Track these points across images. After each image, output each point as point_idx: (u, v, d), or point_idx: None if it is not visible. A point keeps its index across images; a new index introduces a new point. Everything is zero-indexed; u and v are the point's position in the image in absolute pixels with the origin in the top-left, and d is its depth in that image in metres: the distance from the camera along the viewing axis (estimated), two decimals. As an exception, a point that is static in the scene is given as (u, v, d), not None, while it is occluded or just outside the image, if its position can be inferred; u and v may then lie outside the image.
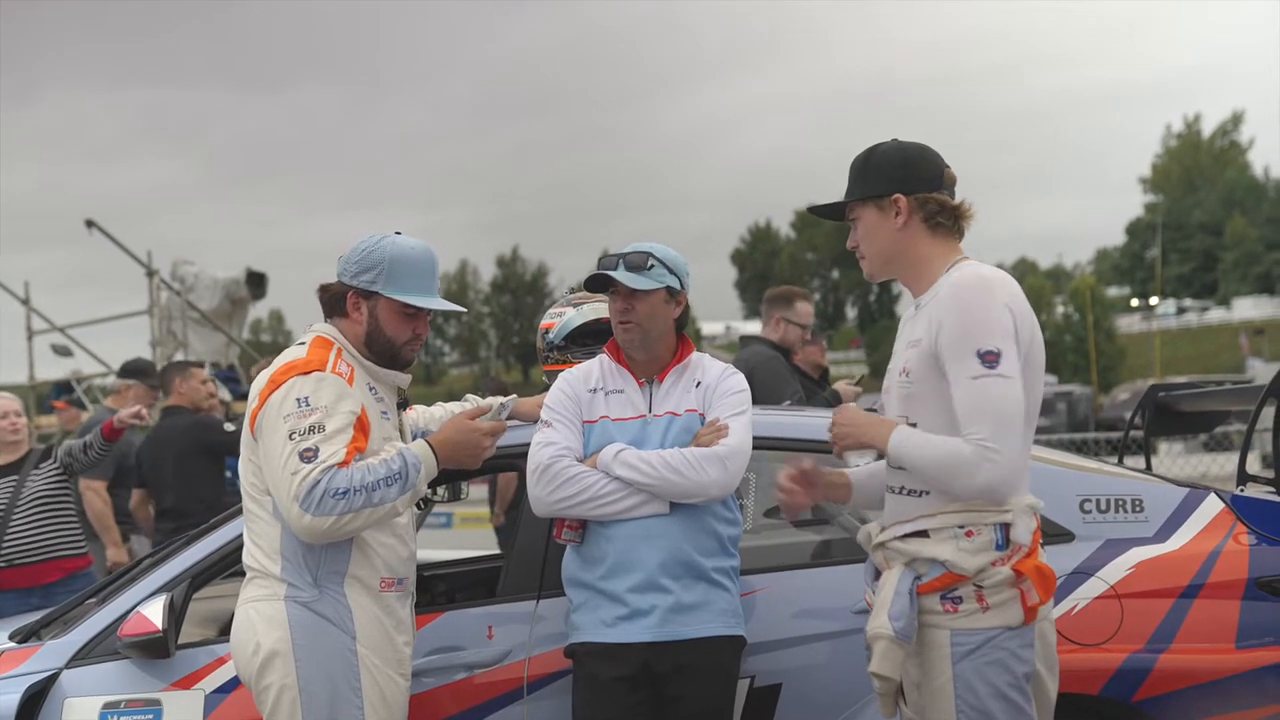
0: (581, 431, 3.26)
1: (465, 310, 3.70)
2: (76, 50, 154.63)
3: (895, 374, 2.87)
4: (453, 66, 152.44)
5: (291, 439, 2.96)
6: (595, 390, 3.31)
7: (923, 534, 2.76)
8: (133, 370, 7.38)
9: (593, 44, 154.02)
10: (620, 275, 3.26)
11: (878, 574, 2.86)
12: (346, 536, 3.03)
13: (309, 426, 2.97)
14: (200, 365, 7.35)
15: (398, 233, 3.23)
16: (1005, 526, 2.70)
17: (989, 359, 2.65)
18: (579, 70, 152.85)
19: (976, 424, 2.65)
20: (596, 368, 3.37)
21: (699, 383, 3.30)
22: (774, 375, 5.48)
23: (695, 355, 3.37)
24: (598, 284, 3.32)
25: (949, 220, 2.86)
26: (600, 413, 3.28)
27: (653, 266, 3.28)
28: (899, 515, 2.84)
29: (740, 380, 3.34)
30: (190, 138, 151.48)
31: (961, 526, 2.71)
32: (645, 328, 3.27)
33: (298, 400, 3.00)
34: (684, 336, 3.38)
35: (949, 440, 2.69)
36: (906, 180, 2.85)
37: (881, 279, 2.96)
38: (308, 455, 2.94)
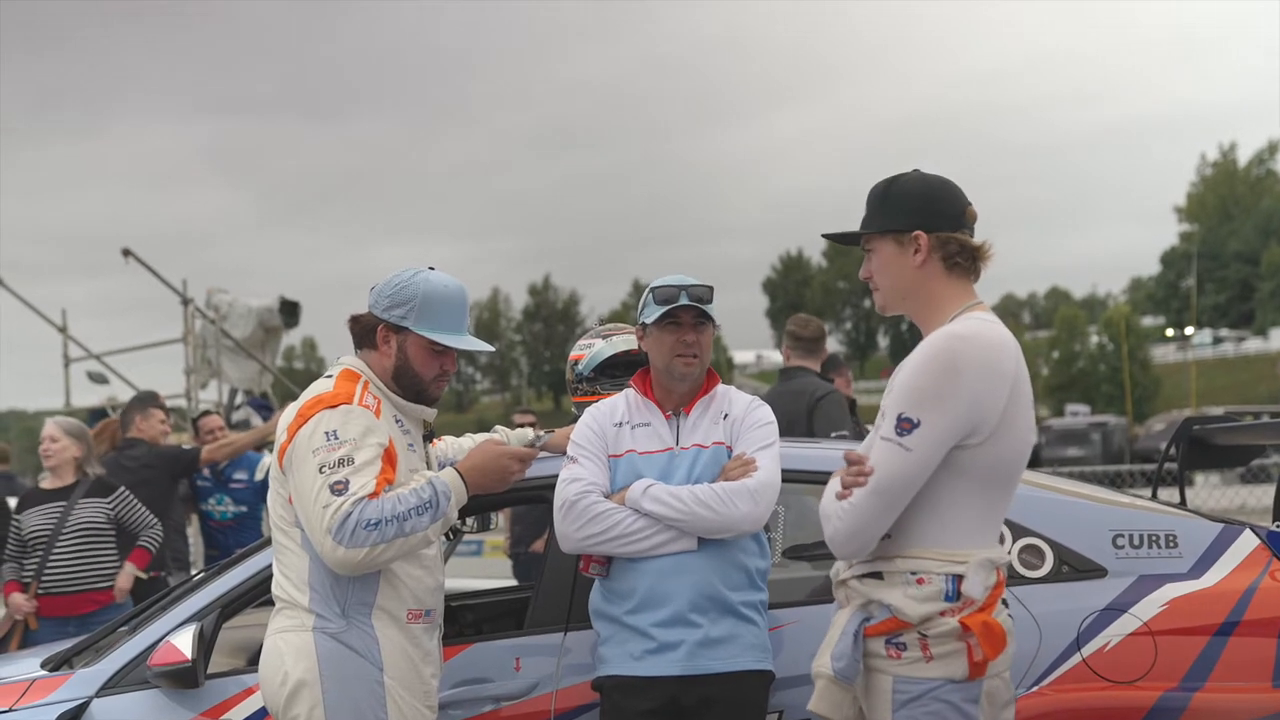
0: (608, 467, 3.26)
1: (494, 349, 3.71)
2: (147, 82, 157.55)
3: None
4: (509, 100, 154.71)
5: (321, 472, 2.98)
6: (621, 424, 3.31)
7: (877, 575, 2.69)
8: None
9: (635, 81, 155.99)
10: (709, 308, 3.27)
11: None
12: (380, 567, 3.04)
13: (338, 459, 2.99)
14: (161, 406, 7.35)
15: (431, 268, 3.25)
16: (958, 578, 2.61)
17: (903, 426, 2.61)
18: (622, 106, 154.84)
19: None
20: (623, 402, 3.37)
21: (726, 415, 3.30)
22: (839, 407, 5.42)
23: (721, 387, 3.37)
24: (681, 313, 3.26)
25: (967, 261, 2.76)
26: (627, 446, 3.27)
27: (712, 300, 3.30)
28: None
29: (767, 412, 3.33)
30: (249, 169, 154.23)
31: (914, 573, 2.63)
32: (703, 359, 3.29)
33: (326, 434, 3.02)
34: (710, 369, 3.37)
35: (833, 490, 2.72)
36: (928, 216, 2.73)
37: (894, 313, 2.87)
38: (338, 488, 2.96)
